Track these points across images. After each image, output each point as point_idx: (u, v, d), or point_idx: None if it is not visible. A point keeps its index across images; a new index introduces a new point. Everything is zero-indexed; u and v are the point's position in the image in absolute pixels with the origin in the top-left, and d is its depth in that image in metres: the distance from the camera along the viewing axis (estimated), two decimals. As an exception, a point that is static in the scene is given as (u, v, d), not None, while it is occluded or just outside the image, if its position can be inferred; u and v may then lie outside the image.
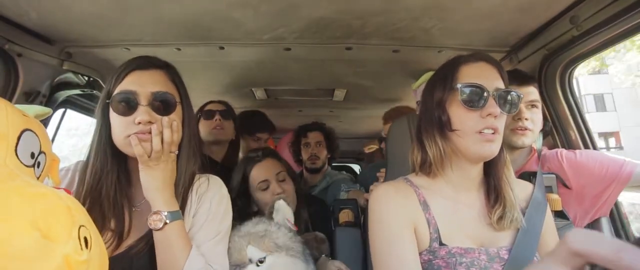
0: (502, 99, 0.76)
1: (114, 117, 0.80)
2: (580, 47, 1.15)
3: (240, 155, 1.97)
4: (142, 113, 0.78)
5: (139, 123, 0.78)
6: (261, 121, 2.00)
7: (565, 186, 1.09)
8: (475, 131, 0.75)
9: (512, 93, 0.78)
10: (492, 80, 0.77)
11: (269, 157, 1.34)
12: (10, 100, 1.22)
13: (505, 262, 0.75)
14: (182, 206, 0.85)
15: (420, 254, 0.77)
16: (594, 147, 1.28)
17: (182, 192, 0.86)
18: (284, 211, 1.05)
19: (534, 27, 1.19)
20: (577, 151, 1.18)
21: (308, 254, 1.00)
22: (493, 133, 0.75)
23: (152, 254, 0.79)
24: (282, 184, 1.28)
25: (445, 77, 0.81)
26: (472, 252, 0.74)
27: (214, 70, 1.58)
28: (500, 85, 0.78)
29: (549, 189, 1.02)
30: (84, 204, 0.73)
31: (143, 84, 0.81)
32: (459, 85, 0.77)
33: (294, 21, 1.13)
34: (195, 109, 1.62)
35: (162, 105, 0.81)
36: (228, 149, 1.73)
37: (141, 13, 1.06)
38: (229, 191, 0.97)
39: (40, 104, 1.30)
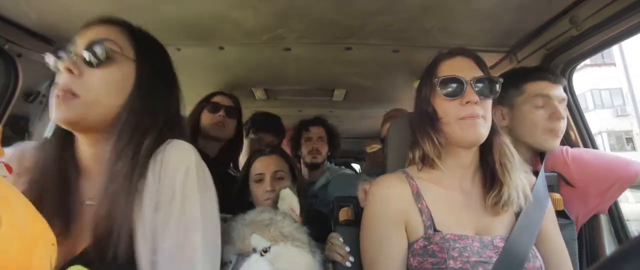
0: (483, 86, 0.82)
1: None
2: (580, 47, 1.15)
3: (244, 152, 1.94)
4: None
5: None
6: (262, 121, 1.96)
7: (569, 184, 1.06)
8: (457, 118, 0.81)
9: (493, 79, 0.83)
10: (469, 71, 0.83)
11: (274, 153, 1.32)
12: (10, 100, 1.22)
13: (500, 251, 0.77)
14: None
15: (416, 241, 0.81)
16: (594, 147, 1.28)
17: None
18: (289, 200, 1.01)
19: (534, 27, 1.20)
20: (583, 149, 1.17)
21: (314, 245, 0.97)
22: (475, 117, 0.80)
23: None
24: (278, 182, 1.25)
25: (427, 75, 0.90)
26: (466, 239, 0.78)
27: (214, 70, 1.58)
28: (478, 74, 0.83)
29: (550, 189, 1.00)
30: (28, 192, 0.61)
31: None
32: (437, 79, 0.85)
33: (294, 21, 1.13)
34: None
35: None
36: (223, 147, 1.60)
37: (141, 13, 1.05)
38: (230, 183, 0.95)
39: (41, 104, 1.30)
